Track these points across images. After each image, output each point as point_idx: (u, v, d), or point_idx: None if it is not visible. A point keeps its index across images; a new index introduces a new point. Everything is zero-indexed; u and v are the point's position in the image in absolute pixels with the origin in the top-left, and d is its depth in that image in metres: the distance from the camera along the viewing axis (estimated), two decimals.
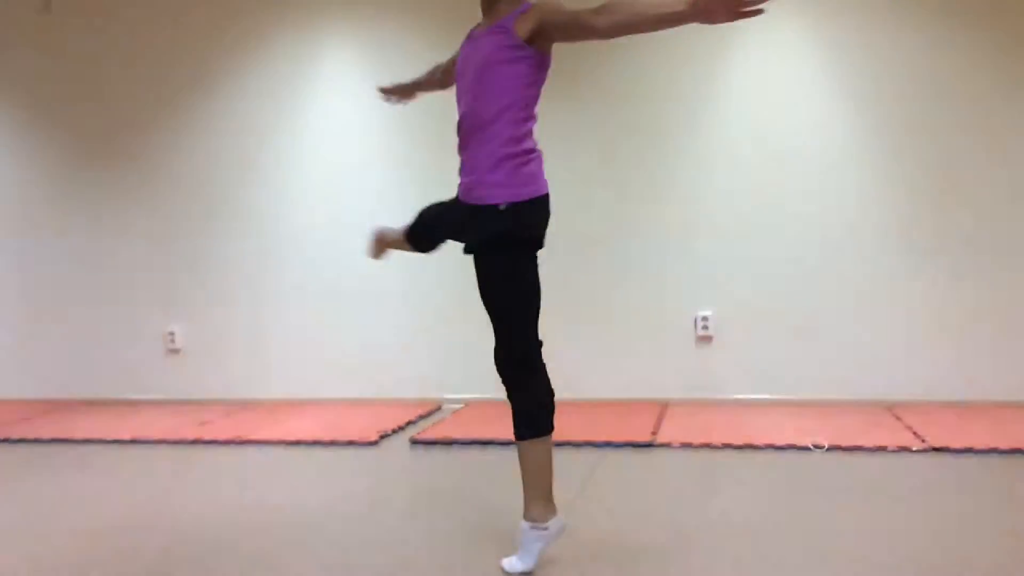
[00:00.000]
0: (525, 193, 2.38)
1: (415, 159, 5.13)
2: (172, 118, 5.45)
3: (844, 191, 4.65)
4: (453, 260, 4.32)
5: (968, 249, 4.52)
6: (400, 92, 3.01)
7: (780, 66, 4.71)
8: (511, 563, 2.41)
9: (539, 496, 2.40)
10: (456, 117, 2.49)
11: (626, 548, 2.61)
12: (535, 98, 2.41)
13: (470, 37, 2.54)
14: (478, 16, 2.52)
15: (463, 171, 2.48)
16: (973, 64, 4.50)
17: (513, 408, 2.42)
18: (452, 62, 2.69)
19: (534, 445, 2.39)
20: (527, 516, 2.41)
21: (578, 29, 2.25)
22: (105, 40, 5.54)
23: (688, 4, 2.04)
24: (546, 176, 2.47)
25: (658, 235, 4.85)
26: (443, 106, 5.17)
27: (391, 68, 5.10)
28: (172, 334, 5.48)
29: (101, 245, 5.59)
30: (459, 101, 2.49)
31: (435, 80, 2.90)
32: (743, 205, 4.75)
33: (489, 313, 2.44)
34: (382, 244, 3.01)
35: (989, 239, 4.50)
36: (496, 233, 2.37)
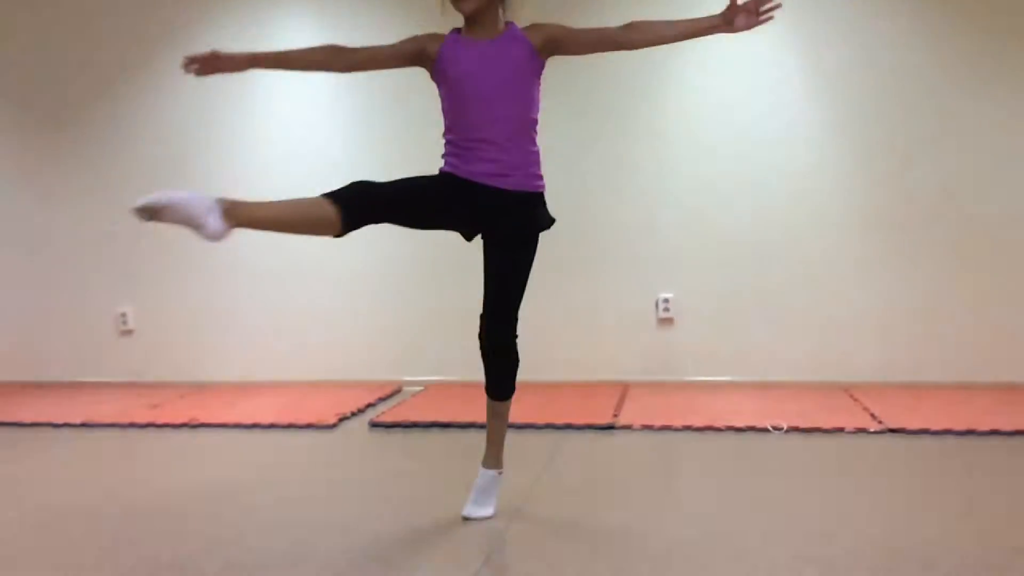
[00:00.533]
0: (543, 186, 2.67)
1: (376, 133, 5.05)
2: (123, 88, 5.30)
3: (804, 175, 4.67)
4: (413, 242, 4.29)
5: (925, 233, 4.57)
6: (215, 63, 2.68)
7: (745, 47, 4.69)
8: (475, 510, 2.68)
9: (501, 446, 2.75)
10: (440, 105, 2.62)
11: (586, 530, 2.60)
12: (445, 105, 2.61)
13: (464, 43, 2.54)
14: None
15: (487, 159, 2.53)
16: (940, 49, 4.53)
17: (497, 374, 2.69)
18: (391, 54, 2.61)
19: (505, 404, 2.73)
20: (493, 465, 2.74)
21: (608, 45, 2.56)
22: (53, 11, 5.36)
23: (720, 16, 2.40)
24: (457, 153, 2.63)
25: (620, 217, 4.84)
26: (405, 82, 5.10)
27: (350, 38, 5.05)
28: (124, 315, 5.36)
29: (51, 221, 5.43)
30: (479, 101, 2.53)
31: (320, 60, 2.68)
32: (705, 188, 4.75)
33: (511, 292, 2.66)
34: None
35: (946, 223, 4.56)
36: (548, 219, 2.66)
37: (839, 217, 4.64)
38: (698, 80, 4.74)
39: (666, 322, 4.83)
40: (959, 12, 4.50)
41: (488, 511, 2.69)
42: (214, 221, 2.21)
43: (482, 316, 2.67)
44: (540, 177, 2.66)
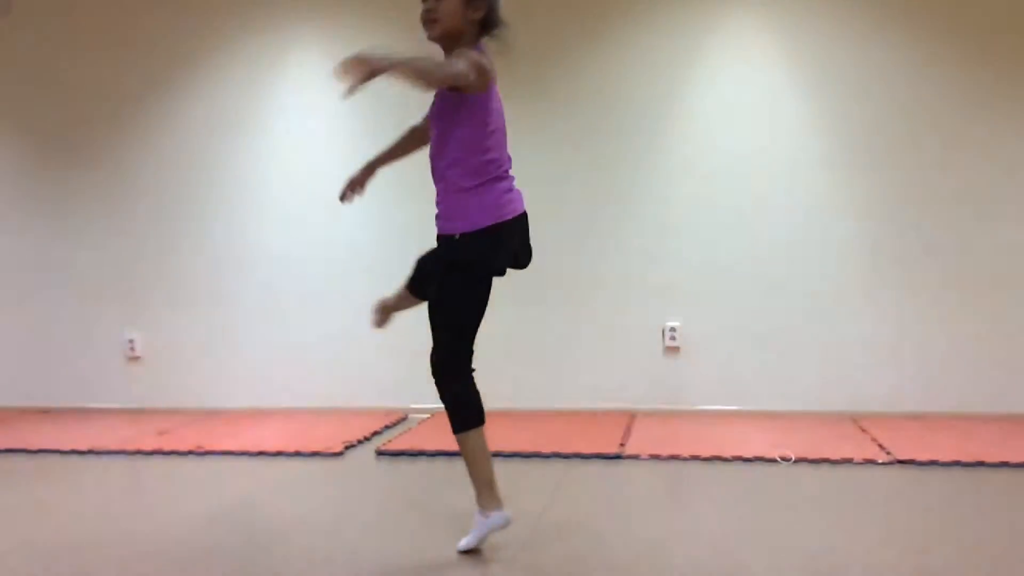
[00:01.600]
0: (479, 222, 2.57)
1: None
2: (133, 119, 5.35)
3: (810, 204, 4.68)
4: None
5: (931, 262, 4.57)
6: (363, 180, 2.89)
7: (747, 78, 4.73)
8: (462, 541, 2.65)
9: (479, 485, 2.63)
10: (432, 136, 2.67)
11: (594, 561, 2.58)
12: (488, 135, 2.53)
13: None
14: None
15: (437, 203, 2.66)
16: (939, 79, 4.55)
17: (445, 407, 2.64)
18: (427, 120, 2.74)
19: (468, 437, 2.60)
20: (477, 502, 2.66)
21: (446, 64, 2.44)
22: (65, 41, 5.42)
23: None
24: (516, 186, 2.59)
25: (626, 245, 4.85)
26: (411, 113, 5.15)
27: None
28: (132, 341, 5.37)
29: (60, 249, 5.46)
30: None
31: (411, 144, 2.88)
32: (711, 217, 4.76)
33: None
34: (386, 312, 3.06)
35: (952, 252, 4.56)
36: (452, 260, 2.60)
37: (846, 246, 4.65)
38: (704, 109, 4.76)
39: (673, 351, 4.82)
40: (961, 41, 4.53)
41: (464, 542, 2.65)
42: None
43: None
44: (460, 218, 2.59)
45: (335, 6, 5.13)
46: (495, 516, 2.62)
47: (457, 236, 2.57)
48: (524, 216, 2.65)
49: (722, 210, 4.75)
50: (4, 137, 5.52)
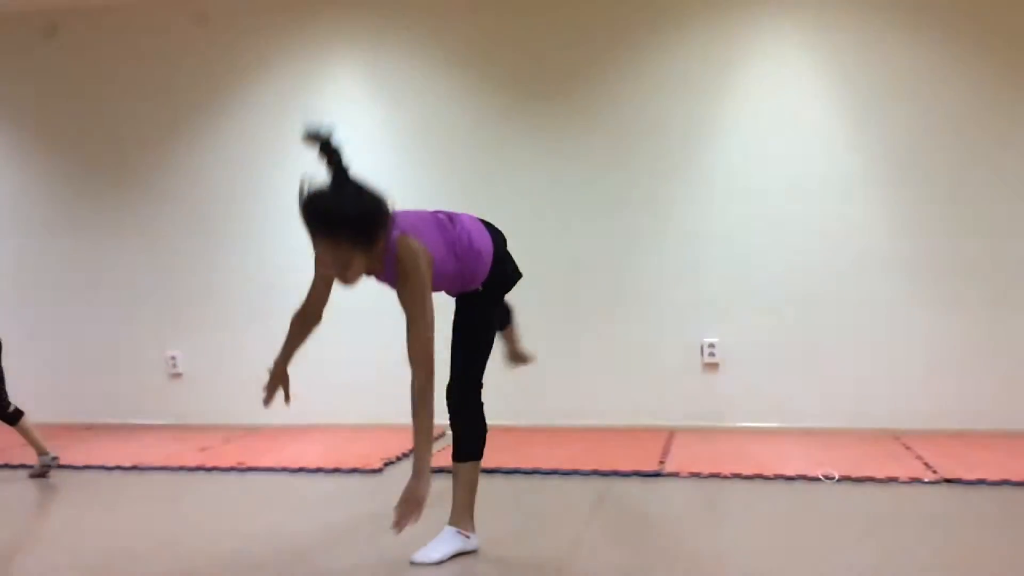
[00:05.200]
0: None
1: (418, 182, 5.10)
2: (175, 141, 5.45)
3: (850, 219, 4.63)
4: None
5: (974, 277, 4.50)
6: (284, 379, 2.97)
7: (784, 95, 4.70)
8: (420, 553, 2.70)
9: (468, 508, 2.82)
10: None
11: None
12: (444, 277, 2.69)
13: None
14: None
15: None
16: (980, 95, 4.50)
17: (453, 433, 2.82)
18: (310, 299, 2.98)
19: (463, 466, 2.82)
20: (455, 523, 2.78)
21: (408, 324, 2.59)
22: (109, 64, 5.54)
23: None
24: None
25: (665, 261, 4.83)
26: (444, 131, 5.16)
27: (391, 91, 5.15)
28: (174, 358, 5.45)
29: (103, 268, 5.56)
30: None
31: (304, 334, 3.04)
32: (750, 233, 4.73)
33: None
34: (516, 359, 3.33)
35: (994, 268, 4.49)
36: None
37: (886, 261, 4.59)
38: (741, 127, 4.74)
39: (711, 367, 4.78)
40: (1002, 56, 4.47)
41: (431, 555, 2.70)
42: None
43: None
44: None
45: (371, 29, 5.18)
46: (474, 538, 2.81)
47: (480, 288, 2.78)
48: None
49: (760, 226, 4.72)
50: (48, 158, 5.64)
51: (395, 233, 2.50)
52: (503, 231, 2.92)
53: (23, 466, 4.35)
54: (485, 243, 2.76)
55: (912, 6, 4.57)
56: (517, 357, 3.30)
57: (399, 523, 2.44)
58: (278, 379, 2.88)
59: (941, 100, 4.53)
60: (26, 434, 4.12)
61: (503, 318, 3.15)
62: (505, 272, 2.83)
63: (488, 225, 2.85)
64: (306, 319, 2.94)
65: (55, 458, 4.16)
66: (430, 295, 2.56)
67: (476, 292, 2.80)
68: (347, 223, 2.37)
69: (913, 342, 4.56)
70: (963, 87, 4.51)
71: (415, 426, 2.53)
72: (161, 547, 3.02)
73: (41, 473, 4.12)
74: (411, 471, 2.53)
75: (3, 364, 4.09)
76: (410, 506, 2.45)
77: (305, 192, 2.36)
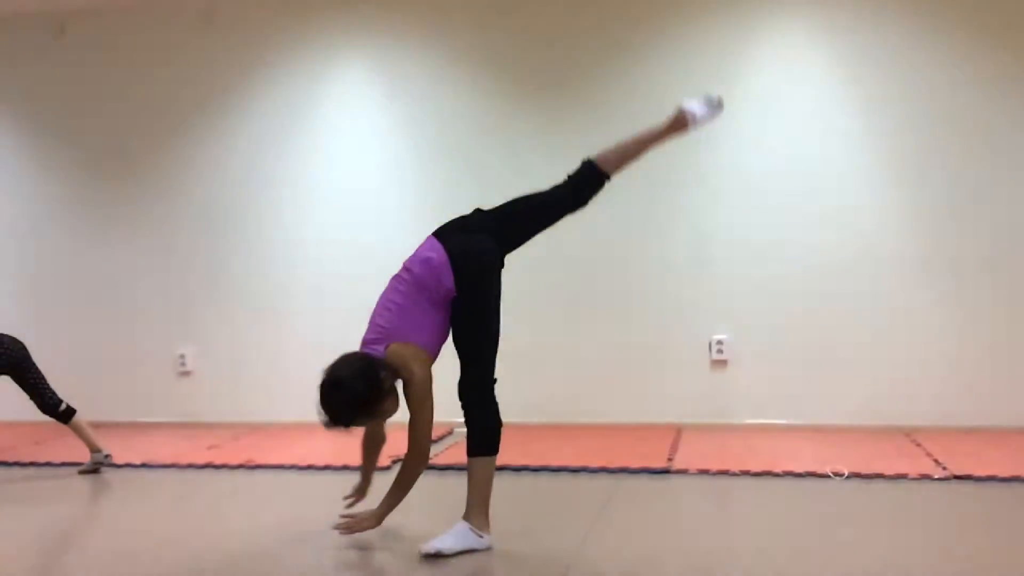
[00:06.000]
0: None
1: (428, 179, 5.11)
2: (184, 139, 5.46)
3: (861, 216, 4.61)
4: None
5: (985, 275, 4.49)
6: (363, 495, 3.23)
7: (796, 92, 4.69)
8: (430, 544, 2.73)
9: (481, 505, 2.83)
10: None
11: None
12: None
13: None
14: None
15: None
16: (994, 94, 4.48)
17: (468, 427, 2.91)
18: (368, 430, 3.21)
19: (476, 461, 2.86)
20: (468, 519, 2.80)
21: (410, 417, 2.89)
22: (119, 62, 5.56)
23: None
24: None
25: (673, 259, 4.82)
26: (455, 129, 5.16)
27: (401, 88, 5.15)
28: (183, 356, 5.46)
29: (112, 266, 5.58)
30: None
31: (376, 452, 3.30)
32: (759, 229, 4.72)
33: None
34: None
35: (1005, 265, 4.47)
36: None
37: (897, 259, 4.57)
38: (752, 124, 4.72)
39: (719, 364, 4.77)
40: (1018, 60, 4.45)
41: (436, 545, 2.73)
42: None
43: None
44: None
45: (378, 26, 5.19)
46: (487, 538, 2.80)
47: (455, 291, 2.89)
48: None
49: (770, 223, 4.70)
50: (56, 157, 5.66)
51: (381, 349, 2.86)
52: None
53: (33, 464, 4.37)
54: (439, 256, 2.83)
55: (924, 3, 4.54)
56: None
57: (348, 528, 2.84)
58: (362, 493, 3.23)
59: (954, 99, 4.51)
60: (79, 431, 4.19)
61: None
62: (469, 265, 2.84)
63: (436, 233, 2.89)
64: (373, 441, 3.26)
65: (108, 455, 4.20)
66: (430, 394, 2.88)
67: (456, 295, 2.86)
68: (360, 411, 2.81)
69: (923, 339, 4.54)
70: (977, 86, 4.49)
71: (396, 480, 2.87)
72: (169, 544, 3.03)
73: (93, 469, 4.16)
74: (384, 498, 2.87)
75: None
76: (363, 524, 2.84)
77: (324, 413, 2.78)
